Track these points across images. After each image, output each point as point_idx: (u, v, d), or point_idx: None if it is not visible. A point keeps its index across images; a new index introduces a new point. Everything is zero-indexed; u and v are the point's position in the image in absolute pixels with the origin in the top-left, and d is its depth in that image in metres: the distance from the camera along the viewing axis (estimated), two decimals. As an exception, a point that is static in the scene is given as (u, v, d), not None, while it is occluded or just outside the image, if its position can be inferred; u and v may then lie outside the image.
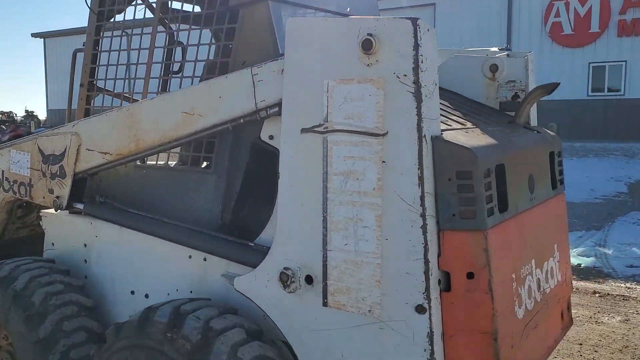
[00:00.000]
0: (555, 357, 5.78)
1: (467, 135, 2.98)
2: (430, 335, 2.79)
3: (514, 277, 3.07)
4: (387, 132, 2.80)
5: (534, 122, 4.15)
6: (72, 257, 4.28)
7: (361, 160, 2.88)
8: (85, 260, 4.22)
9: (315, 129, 3.00)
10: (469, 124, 3.31)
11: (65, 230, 4.36)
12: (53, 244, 4.44)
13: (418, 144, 2.74)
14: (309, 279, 3.10)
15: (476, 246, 2.79)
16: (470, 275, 2.81)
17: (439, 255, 2.82)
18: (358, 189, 2.91)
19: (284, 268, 3.15)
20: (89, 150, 4.13)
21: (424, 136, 2.74)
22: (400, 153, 2.79)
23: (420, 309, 2.79)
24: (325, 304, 3.06)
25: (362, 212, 2.90)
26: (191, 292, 3.71)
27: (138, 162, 4.04)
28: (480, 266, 2.80)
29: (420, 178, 2.74)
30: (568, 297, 4.00)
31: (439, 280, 2.83)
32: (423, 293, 2.78)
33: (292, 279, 3.13)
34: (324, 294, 3.05)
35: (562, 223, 3.91)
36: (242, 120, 3.36)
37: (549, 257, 3.63)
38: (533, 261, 3.36)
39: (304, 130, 3.03)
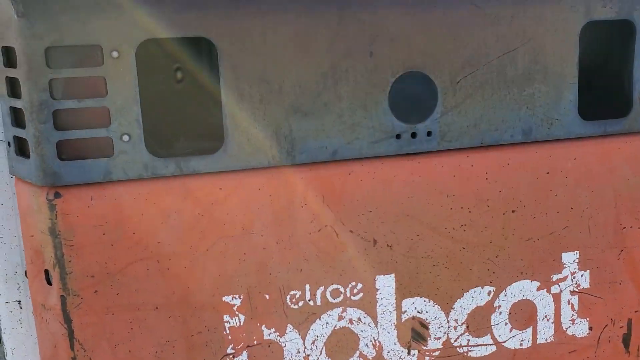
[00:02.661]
0: None
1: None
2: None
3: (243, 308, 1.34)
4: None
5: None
6: None
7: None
8: None
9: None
10: None
11: None
12: None
13: None
14: None
15: (39, 217, 1.26)
16: (48, 278, 1.31)
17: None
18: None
19: None
20: None
21: None
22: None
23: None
24: None
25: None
26: None
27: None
28: (49, 261, 1.27)
29: None
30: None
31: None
32: (-9, 291, 1.44)
33: None
34: None
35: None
36: None
37: (512, 280, 1.52)
38: (390, 280, 1.43)
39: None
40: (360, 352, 1.46)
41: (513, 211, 1.50)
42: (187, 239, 1.30)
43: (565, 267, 1.57)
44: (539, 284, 1.56)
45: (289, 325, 1.40)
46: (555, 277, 1.57)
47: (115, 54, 1.21)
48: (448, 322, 1.50)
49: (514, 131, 1.47)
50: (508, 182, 1.48)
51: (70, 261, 1.25)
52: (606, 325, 1.64)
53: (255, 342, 1.38)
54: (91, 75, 1.21)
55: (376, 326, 1.45)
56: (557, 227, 1.54)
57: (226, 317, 1.35)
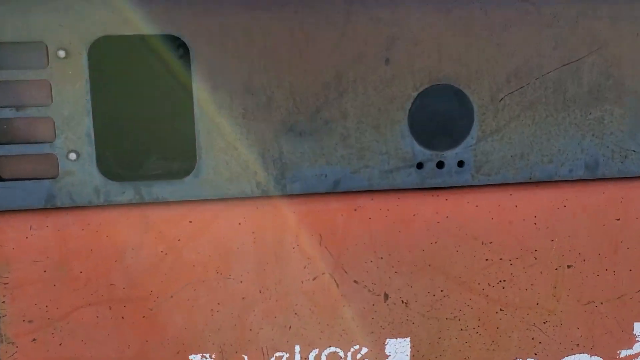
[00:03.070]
0: None
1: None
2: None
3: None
4: None
5: None
6: None
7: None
8: None
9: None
10: None
11: None
12: None
13: None
14: None
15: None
16: None
17: None
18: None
19: None
20: None
21: None
22: None
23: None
24: None
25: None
26: None
27: None
28: (-15, 302, 1.07)
29: None
30: None
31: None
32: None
33: None
34: None
35: None
36: None
37: (564, 353, 1.19)
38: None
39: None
40: None
41: (569, 266, 1.17)
42: (147, 282, 1.06)
43: (638, 341, 1.22)
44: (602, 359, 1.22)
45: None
46: (623, 353, 1.22)
47: (62, 53, 0.99)
48: (478, 401, 1.19)
49: (574, 165, 1.15)
50: (564, 229, 1.16)
51: (4, 302, 1.04)
52: (691, 418, 1.27)
53: (229, 412, 1.13)
54: (32, 78, 0.99)
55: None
56: (629, 290, 1.20)
57: (194, 379, 1.11)
